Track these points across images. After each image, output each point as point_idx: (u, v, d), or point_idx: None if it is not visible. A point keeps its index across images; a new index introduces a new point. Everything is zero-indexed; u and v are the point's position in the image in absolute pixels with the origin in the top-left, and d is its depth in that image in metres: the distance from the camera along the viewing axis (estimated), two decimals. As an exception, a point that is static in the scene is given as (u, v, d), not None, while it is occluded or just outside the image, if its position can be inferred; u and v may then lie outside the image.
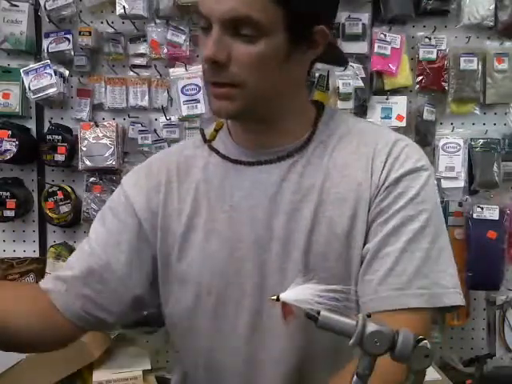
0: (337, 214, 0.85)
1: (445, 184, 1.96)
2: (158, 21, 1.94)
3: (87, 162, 1.93)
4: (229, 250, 0.88)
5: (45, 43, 1.94)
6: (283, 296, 0.58)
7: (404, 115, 1.96)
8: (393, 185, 0.84)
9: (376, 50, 1.93)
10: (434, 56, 1.96)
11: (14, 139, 1.88)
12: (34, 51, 1.98)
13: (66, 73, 1.97)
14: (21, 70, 1.90)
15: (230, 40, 0.78)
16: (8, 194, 1.90)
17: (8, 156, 1.89)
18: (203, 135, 0.97)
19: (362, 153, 0.88)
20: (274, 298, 0.58)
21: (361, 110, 1.95)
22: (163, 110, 1.98)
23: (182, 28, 1.93)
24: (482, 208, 1.95)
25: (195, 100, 1.92)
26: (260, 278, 0.86)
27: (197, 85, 1.92)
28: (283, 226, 0.86)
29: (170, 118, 1.97)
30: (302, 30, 0.81)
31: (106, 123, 1.96)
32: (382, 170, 0.86)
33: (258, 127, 0.89)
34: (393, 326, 0.59)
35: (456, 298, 0.82)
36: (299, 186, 0.87)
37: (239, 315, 0.88)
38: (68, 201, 1.95)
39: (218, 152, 0.93)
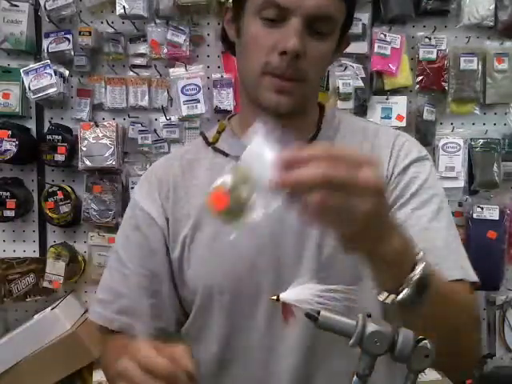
0: None
1: (445, 184, 1.95)
2: (158, 21, 1.93)
3: (87, 162, 1.92)
4: (240, 247, 0.87)
5: (45, 43, 1.94)
6: (283, 296, 0.58)
7: (404, 115, 1.96)
8: (401, 173, 0.87)
9: (376, 49, 1.93)
10: (434, 56, 1.96)
11: (14, 139, 1.88)
12: (34, 51, 1.97)
13: (66, 73, 1.97)
14: (21, 70, 1.90)
15: (306, 35, 0.80)
16: (8, 194, 1.90)
17: (8, 156, 1.88)
18: (205, 138, 0.97)
19: (365, 147, 0.90)
20: (275, 298, 0.58)
21: (361, 110, 1.95)
22: (163, 110, 1.98)
23: (181, 28, 1.92)
24: (482, 208, 1.95)
25: (195, 100, 1.92)
26: (276, 272, 0.86)
27: (197, 85, 1.92)
28: (296, 221, 0.87)
29: (170, 118, 1.97)
30: (344, 33, 0.87)
31: (106, 123, 1.96)
32: (389, 160, 0.89)
33: (282, 124, 0.91)
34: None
35: (475, 276, 0.85)
36: None
37: (256, 311, 0.88)
38: (68, 201, 1.95)
39: (223, 152, 0.94)
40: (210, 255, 0.89)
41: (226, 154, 0.93)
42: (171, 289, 0.94)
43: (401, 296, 0.63)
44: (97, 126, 1.94)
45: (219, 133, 0.97)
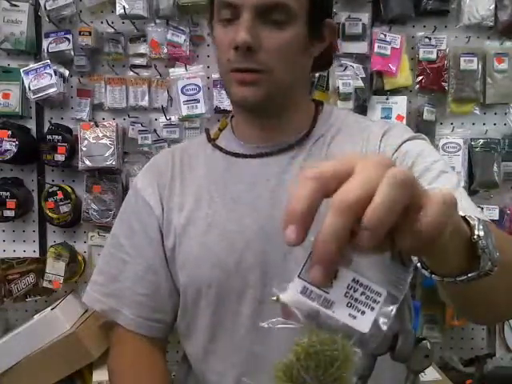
0: None
1: (445, 184, 1.95)
2: (158, 21, 1.93)
3: (87, 162, 1.92)
4: (229, 241, 0.89)
5: (45, 43, 1.93)
6: (283, 297, 0.58)
7: (404, 115, 1.96)
8: (394, 153, 0.86)
9: (376, 49, 1.93)
10: (434, 56, 1.96)
11: (14, 139, 1.88)
12: (33, 51, 1.97)
13: (66, 73, 1.97)
14: (21, 70, 1.90)
15: (260, 26, 0.81)
16: (8, 194, 1.90)
17: (8, 156, 1.88)
18: (208, 134, 1.00)
19: (357, 140, 0.91)
20: (274, 298, 0.58)
21: (361, 110, 1.95)
22: (163, 110, 1.98)
23: (181, 28, 1.92)
24: (482, 208, 1.95)
25: (195, 100, 1.92)
26: (263, 268, 0.87)
27: (197, 85, 1.92)
28: None
29: (170, 118, 1.97)
30: (317, 21, 0.86)
31: (105, 123, 1.96)
32: (379, 145, 0.88)
33: (267, 122, 0.92)
34: None
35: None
36: None
37: (241, 306, 0.88)
38: (68, 201, 1.95)
39: (221, 148, 0.96)
40: (200, 248, 0.90)
41: (224, 150, 0.95)
42: (168, 280, 0.94)
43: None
44: (97, 125, 1.94)
45: (220, 130, 1.00)
